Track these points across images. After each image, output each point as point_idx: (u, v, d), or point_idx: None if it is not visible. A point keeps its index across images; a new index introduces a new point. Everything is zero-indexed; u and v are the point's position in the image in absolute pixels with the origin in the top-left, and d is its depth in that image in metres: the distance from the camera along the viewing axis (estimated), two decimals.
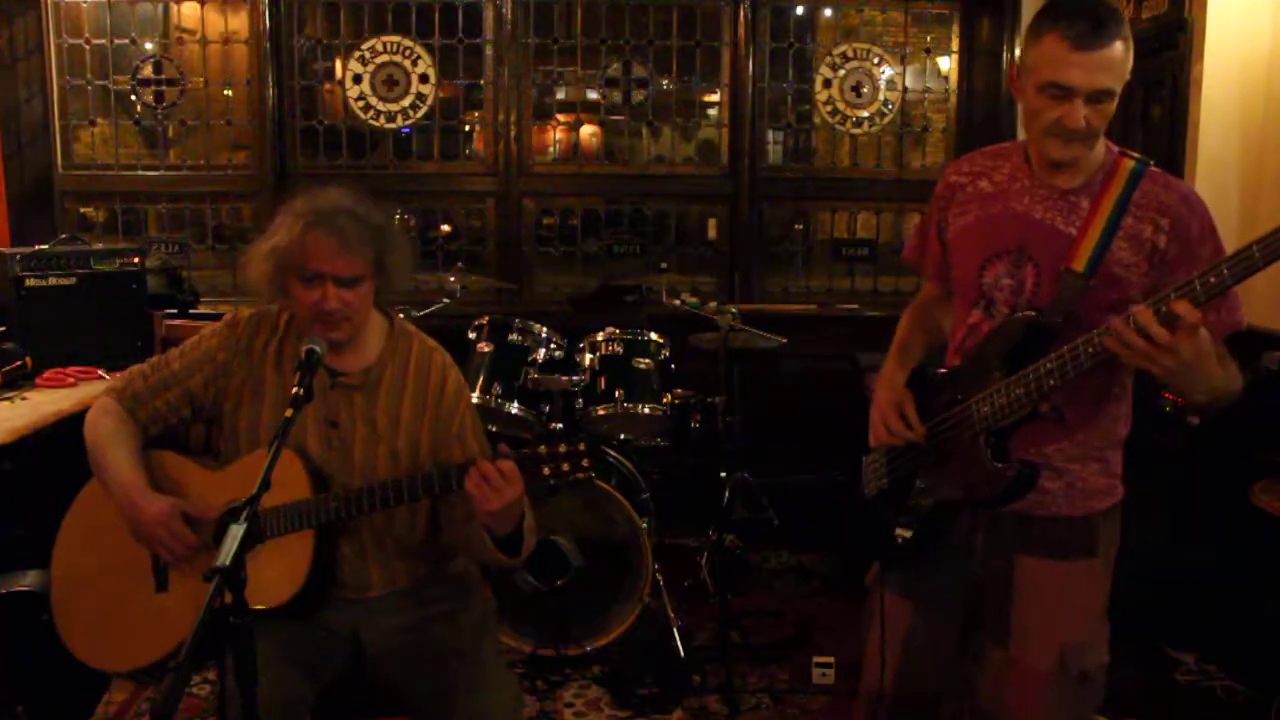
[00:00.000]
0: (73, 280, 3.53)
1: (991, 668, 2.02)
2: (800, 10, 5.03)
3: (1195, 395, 1.74)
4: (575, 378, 3.61)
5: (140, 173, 4.83)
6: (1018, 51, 4.81)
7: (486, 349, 3.63)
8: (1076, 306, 1.80)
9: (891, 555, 2.06)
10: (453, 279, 3.97)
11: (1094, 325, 1.73)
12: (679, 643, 3.40)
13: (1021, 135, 4.92)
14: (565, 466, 1.92)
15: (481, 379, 3.56)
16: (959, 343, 2.01)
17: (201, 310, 4.29)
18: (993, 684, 2.02)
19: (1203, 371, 1.67)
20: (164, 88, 4.78)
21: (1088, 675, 1.95)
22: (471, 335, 3.71)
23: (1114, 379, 1.91)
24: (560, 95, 5.01)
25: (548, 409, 3.62)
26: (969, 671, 2.07)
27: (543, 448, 1.92)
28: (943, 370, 2.02)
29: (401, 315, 2.25)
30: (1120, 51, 1.77)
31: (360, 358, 2.12)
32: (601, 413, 3.60)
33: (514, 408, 3.56)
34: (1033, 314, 1.83)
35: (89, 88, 4.76)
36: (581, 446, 1.92)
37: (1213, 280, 1.55)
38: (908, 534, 2.02)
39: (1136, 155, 1.88)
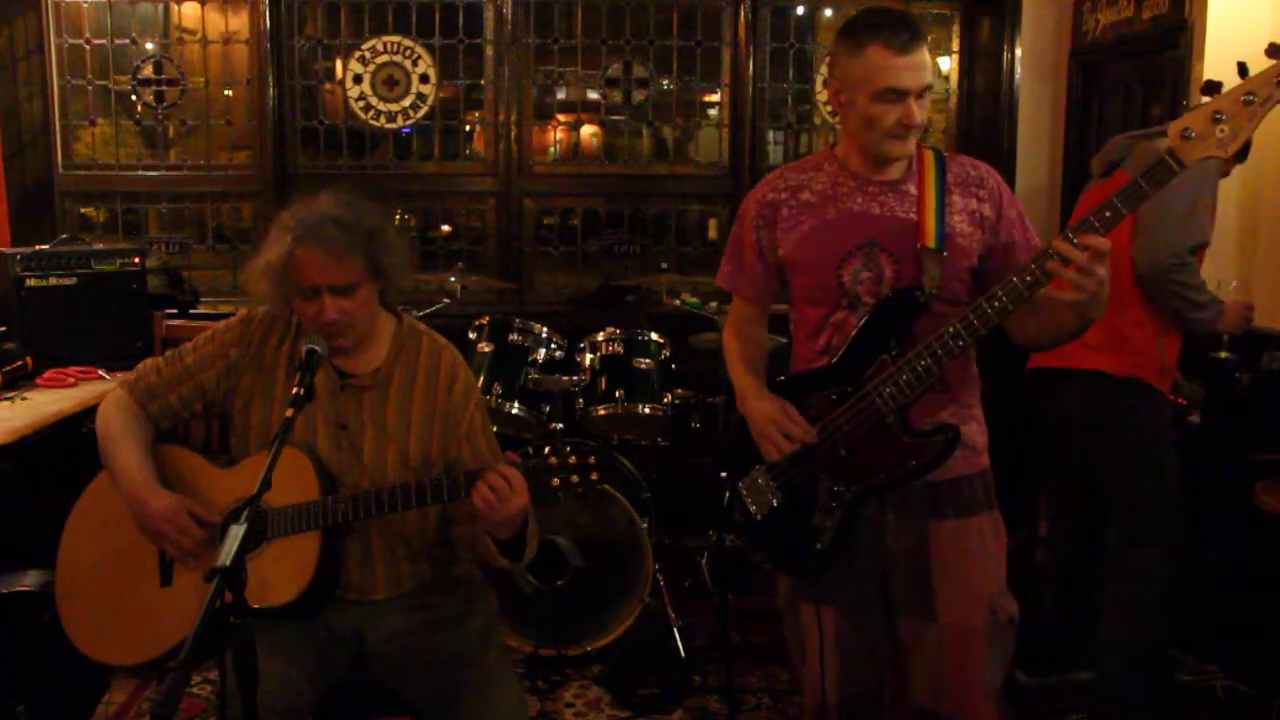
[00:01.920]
0: (73, 280, 3.53)
1: (925, 643, 2.07)
2: (800, 10, 5.03)
3: (1092, 315, 1.90)
4: (575, 378, 3.62)
5: (140, 173, 4.83)
6: (1016, 52, 4.82)
7: (487, 349, 3.63)
8: (941, 277, 1.97)
9: (811, 566, 2.08)
10: (453, 279, 3.97)
11: (958, 295, 1.99)
12: (679, 643, 3.40)
13: (1026, 134, 4.91)
14: (574, 477, 1.92)
15: (482, 379, 3.57)
16: (823, 345, 2.07)
17: (202, 310, 4.29)
18: (928, 658, 2.07)
19: (1104, 296, 1.83)
20: (164, 88, 4.78)
21: (1014, 619, 2.08)
22: (472, 335, 3.71)
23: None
24: (560, 95, 5.01)
25: (548, 409, 3.62)
26: (898, 658, 2.13)
27: (553, 458, 1.92)
28: (807, 371, 2.07)
29: (410, 313, 2.24)
30: (928, 51, 1.98)
31: (369, 359, 2.13)
32: (602, 413, 3.60)
33: (514, 408, 3.56)
34: (912, 291, 1.96)
35: (89, 88, 4.76)
36: (592, 459, 1.91)
37: (1108, 214, 1.78)
38: (826, 539, 2.04)
39: (930, 145, 2.10)
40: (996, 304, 1.85)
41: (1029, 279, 1.83)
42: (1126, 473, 2.97)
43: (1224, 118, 1.76)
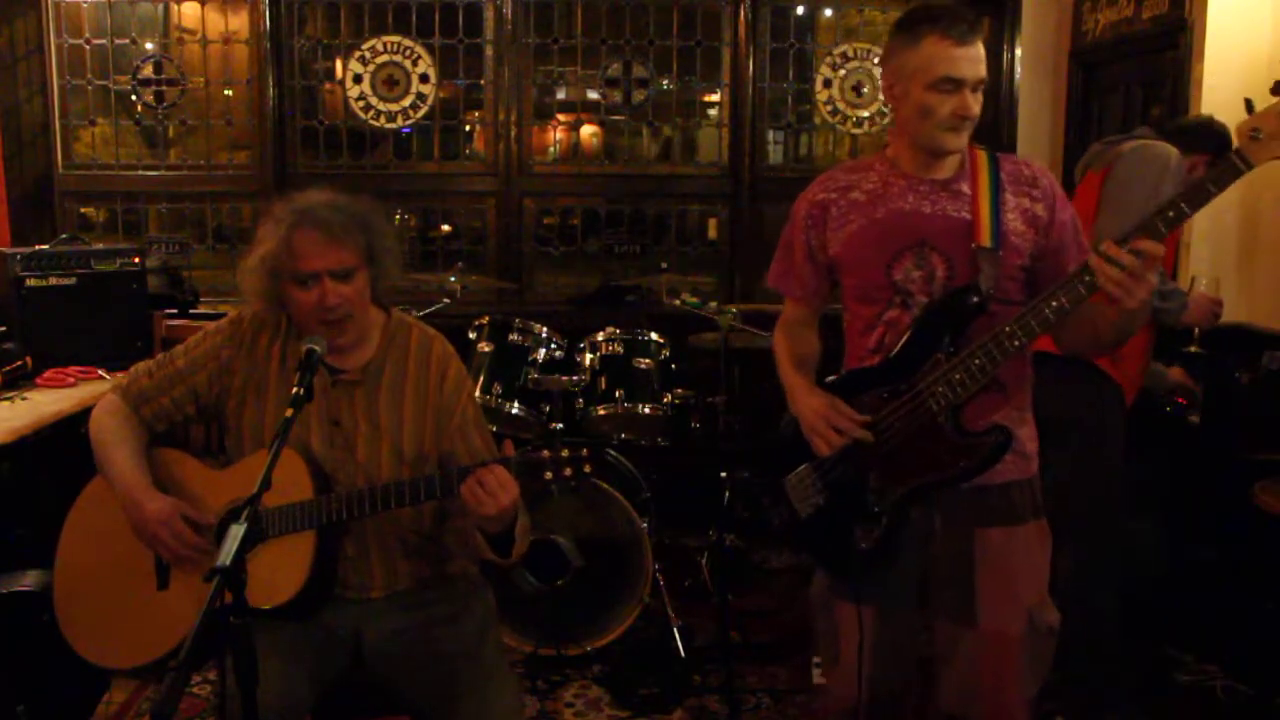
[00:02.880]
0: (73, 280, 3.53)
1: (961, 648, 2.06)
2: (800, 10, 5.03)
3: (1133, 326, 1.90)
4: (575, 378, 3.61)
5: (140, 173, 4.83)
6: (1016, 52, 4.82)
7: (487, 349, 3.63)
8: (998, 277, 1.95)
9: (855, 566, 2.07)
10: (453, 279, 3.96)
11: (1011, 293, 1.96)
12: (679, 643, 3.40)
13: (1026, 134, 4.91)
14: (567, 471, 1.91)
15: (482, 379, 3.57)
16: (874, 343, 2.05)
17: (202, 310, 4.29)
18: (964, 664, 2.06)
19: (1149, 304, 1.82)
20: (164, 88, 4.79)
21: (1054, 629, 2.07)
22: (472, 335, 3.71)
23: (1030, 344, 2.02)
24: (560, 95, 5.02)
25: (548, 409, 3.61)
26: (928, 664, 2.12)
27: (545, 452, 1.91)
28: (859, 369, 2.06)
29: (397, 308, 2.24)
30: (983, 45, 1.97)
31: (359, 353, 2.12)
32: (601, 413, 3.60)
33: (514, 408, 3.56)
34: (969, 289, 1.94)
35: (89, 88, 4.76)
36: (585, 452, 1.91)
37: (1171, 215, 1.74)
38: (872, 540, 2.03)
39: (982, 145, 2.08)
40: (1054, 304, 1.83)
41: (1087, 278, 1.80)
42: (1066, 462, 2.95)
43: None
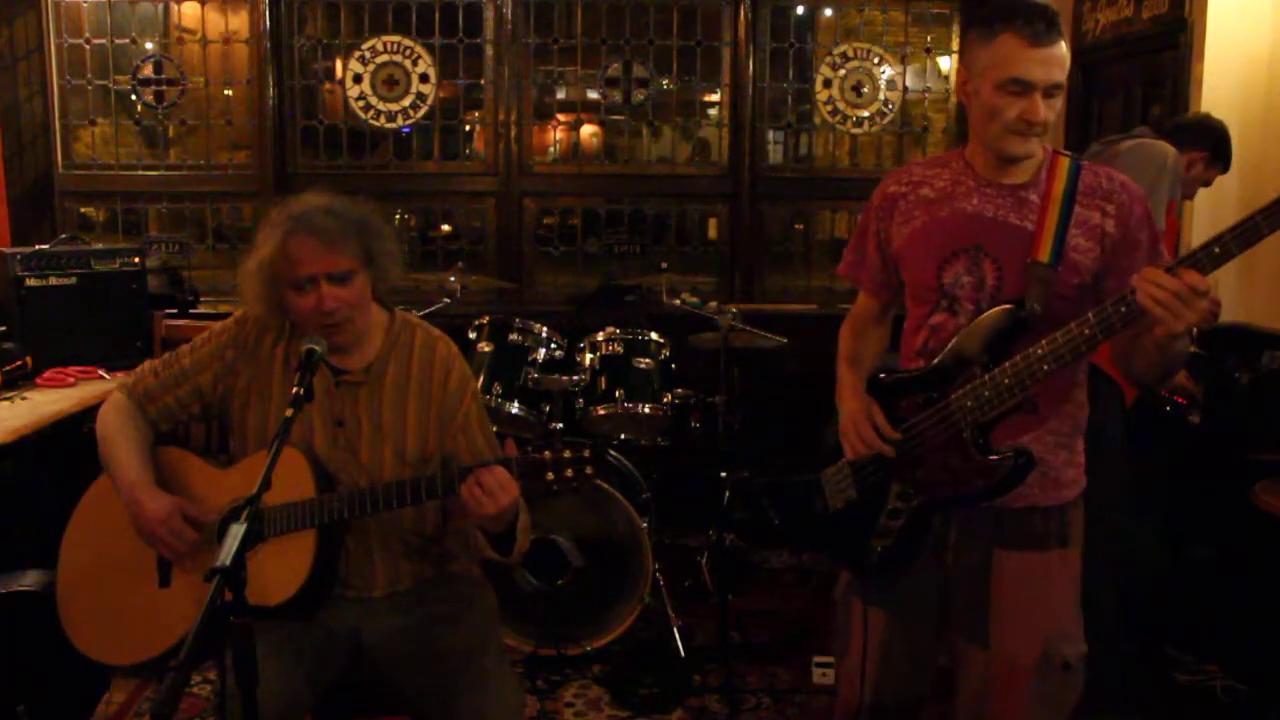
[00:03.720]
0: (73, 280, 3.53)
1: (973, 669, 2.02)
2: (800, 10, 5.03)
3: (1178, 360, 1.83)
4: (575, 378, 3.61)
5: (140, 173, 4.83)
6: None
7: (487, 349, 3.63)
8: (1049, 295, 1.86)
9: (869, 566, 2.06)
10: (453, 279, 3.97)
11: (1059, 313, 1.83)
12: (679, 643, 3.40)
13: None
14: (569, 472, 1.91)
15: (482, 379, 3.57)
16: (920, 345, 2.02)
17: (202, 310, 4.29)
18: (975, 684, 2.03)
19: (1188, 336, 1.74)
20: (164, 88, 4.79)
21: (1070, 664, 1.98)
22: (472, 335, 3.71)
23: (1078, 366, 1.95)
24: (560, 95, 5.02)
25: (548, 409, 3.62)
26: (946, 674, 2.08)
27: (547, 453, 1.91)
28: (904, 373, 2.02)
29: (400, 308, 2.24)
30: (1064, 48, 1.87)
31: (362, 354, 2.12)
32: (601, 413, 3.60)
33: (514, 408, 3.56)
34: (1013, 305, 1.87)
35: (89, 88, 4.76)
36: (586, 453, 1.91)
37: (1217, 251, 1.65)
38: (887, 542, 2.02)
39: (1069, 153, 1.98)
40: (1087, 331, 1.76)
41: (1123, 309, 1.72)
42: None
43: None
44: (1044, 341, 1.80)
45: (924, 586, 2.03)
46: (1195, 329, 2.99)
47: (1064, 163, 1.94)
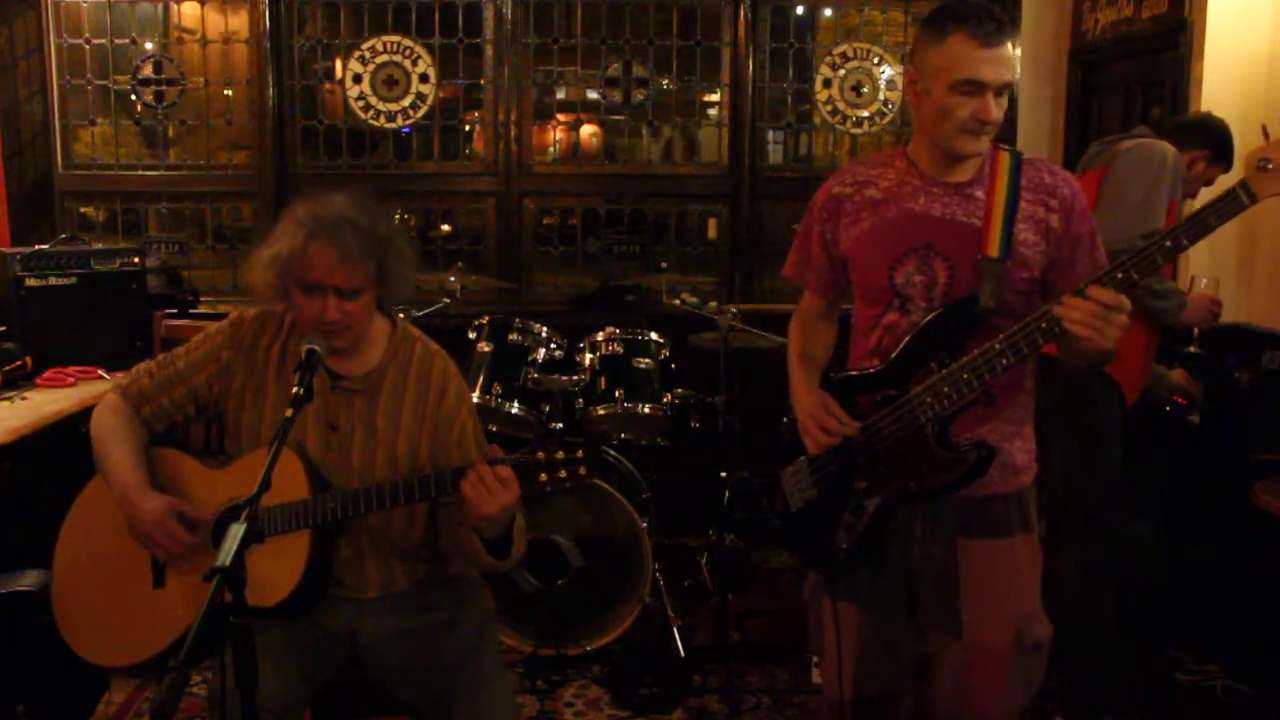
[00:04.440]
0: (73, 280, 3.52)
1: (948, 657, 2.05)
2: (800, 10, 5.03)
3: (1111, 353, 1.86)
4: (575, 377, 3.61)
5: (140, 173, 4.83)
6: (1016, 52, 4.81)
7: (486, 349, 3.63)
8: (1002, 290, 1.89)
9: (835, 563, 2.07)
10: (453, 279, 3.96)
11: (1013, 306, 1.89)
12: (679, 643, 3.40)
13: (1026, 134, 4.90)
14: (562, 473, 1.91)
15: (481, 379, 3.57)
16: (874, 344, 2.04)
17: (201, 310, 4.29)
18: (950, 672, 2.05)
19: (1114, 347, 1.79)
20: (164, 88, 4.79)
21: (1041, 644, 2.04)
22: (471, 335, 3.71)
23: (1030, 358, 1.98)
24: (560, 95, 5.02)
25: (548, 409, 3.61)
26: (923, 664, 2.11)
27: (540, 454, 1.91)
28: (861, 371, 2.04)
29: (402, 317, 2.24)
30: (1012, 49, 1.91)
31: (362, 361, 2.12)
32: (601, 413, 3.60)
33: (514, 408, 3.56)
34: (970, 301, 1.90)
35: (89, 88, 4.76)
36: (579, 453, 1.90)
37: (1169, 245, 1.72)
38: (852, 538, 2.03)
39: (1008, 146, 2.01)
40: (1044, 325, 1.79)
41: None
42: (1064, 461, 2.95)
43: None
44: (1001, 335, 1.83)
45: (892, 580, 2.06)
46: (1194, 327, 3.01)
47: (1005, 158, 1.97)
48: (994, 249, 1.90)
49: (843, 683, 2.11)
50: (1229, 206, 1.70)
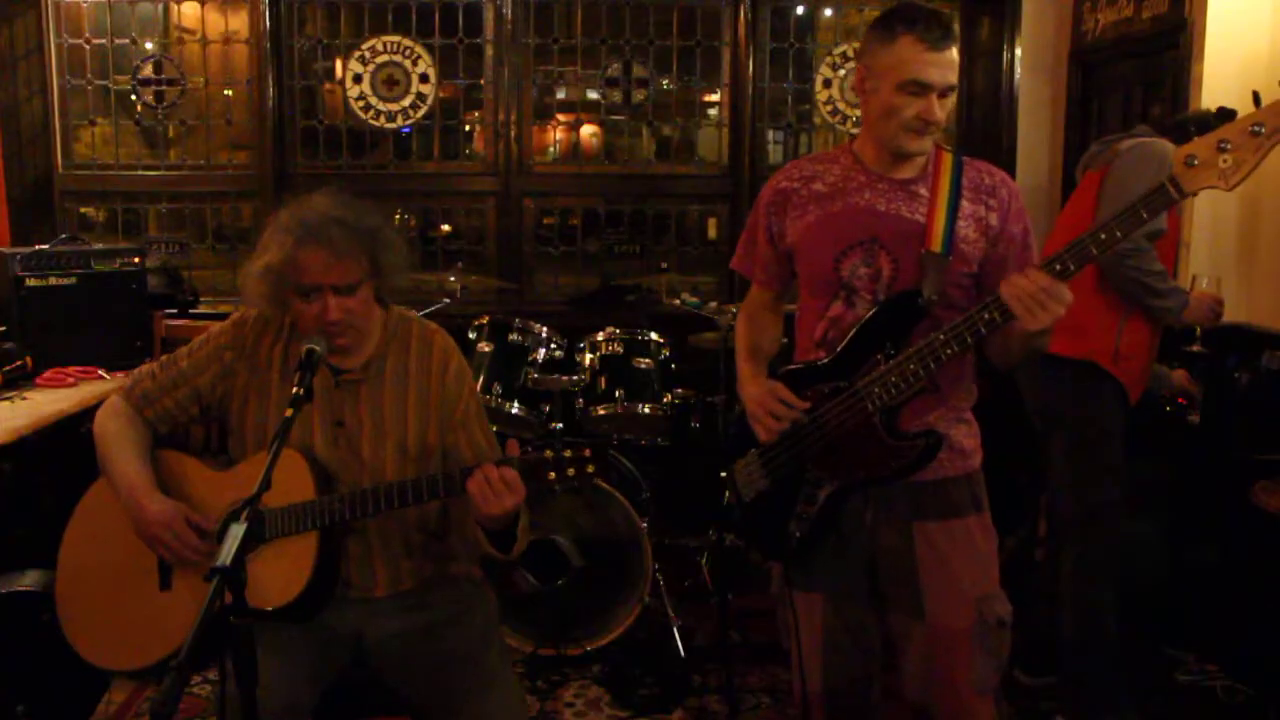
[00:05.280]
0: (73, 280, 3.53)
1: (913, 641, 2.08)
2: (800, 10, 5.03)
3: (1040, 345, 1.97)
4: (575, 377, 3.61)
5: (140, 173, 4.83)
6: (1016, 52, 4.82)
7: (486, 349, 3.63)
8: (943, 283, 1.96)
9: (789, 552, 2.11)
10: (453, 279, 3.97)
11: (954, 299, 1.98)
12: (679, 643, 3.40)
13: (1026, 134, 4.91)
14: (570, 471, 1.91)
15: (482, 379, 3.57)
16: (820, 336, 2.08)
17: (202, 310, 4.30)
18: (918, 656, 2.08)
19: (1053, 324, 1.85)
20: (164, 88, 4.79)
21: (1004, 622, 2.07)
22: (471, 335, 3.71)
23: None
24: (560, 95, 5.02)
25: (548, 409, 3.62)
26: (891, 654, 2.14)
27: (548, 453, 1.91)
28: (808, 364, 2.07)
29: (401, 307, 2.24)
30: (956, 54, 1.98)
31: (361, 352, 2.12)
32: (601, 413, 3.60)
33: (514, 407, 3.56)
34: (913, 294, 1.96)
35: (89, 88, 4.76)
36: (587, 453, 1.91)
37: (1103, 237, 1.78)
38: (805, 527, 2.07)
39: (950, 147, 2.09)
40: (987, 315, 1.86)
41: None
42: (1065, 460, 2.96)
43: (1229, 147, 1.72)
44: (946, 326, 1.89)
45: (851, 566, 2.09)
46: (1196, 325, 3.02)
47: (948, 159, 2.04)
48: (937, 244, 1.97)
49: (805, 674, 2.15)
50: (1158, 200, 1.75)
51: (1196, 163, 1.73)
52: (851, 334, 2.00)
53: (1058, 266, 1.79)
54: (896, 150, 2.00)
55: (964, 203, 2.01)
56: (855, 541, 2.07)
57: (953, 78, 1.95)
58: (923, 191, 2.02)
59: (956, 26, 1.96)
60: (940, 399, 2.04)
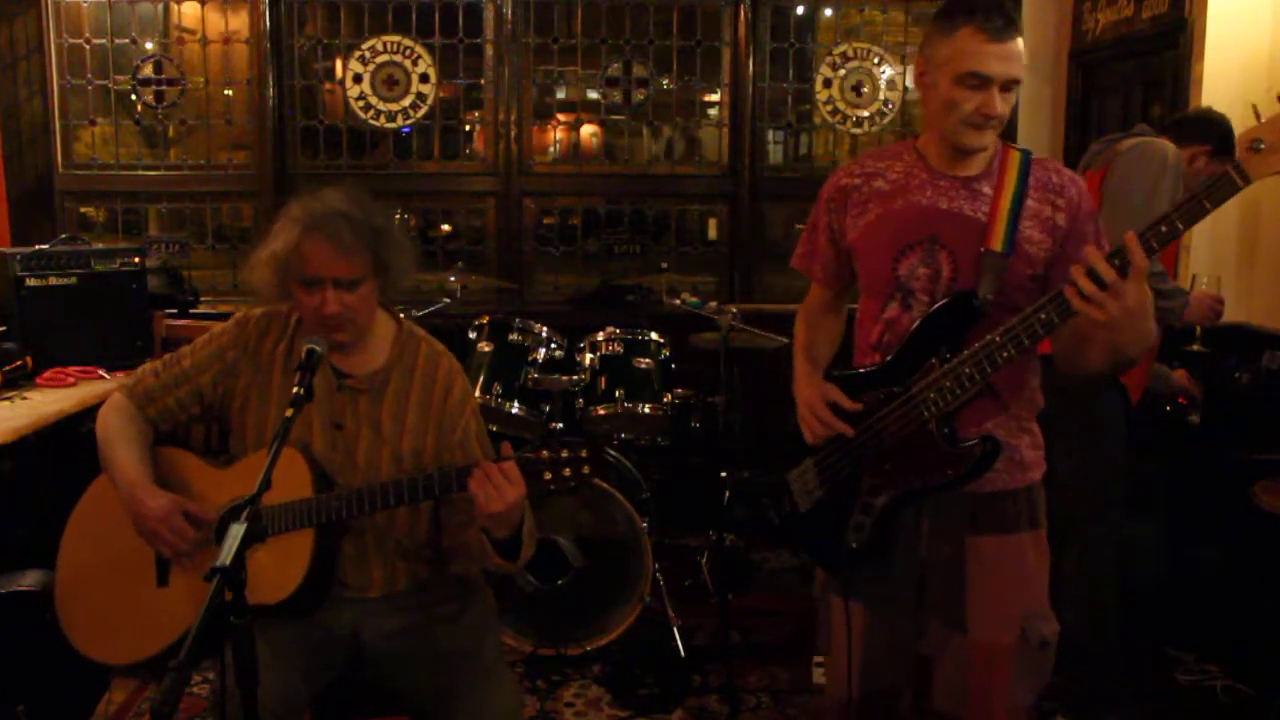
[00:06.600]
0: (73, 280, 3.52)
1: (951, 653, 2.04)
2: (800, 10, 5.03)
3: (1128, 350, 1.84)
4: (575, 377, 3.61)
5: (140, 173, 4.83)
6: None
7: (487, 349, 3.63)
8: (1003, 284, 1.89)
9: (846, 562, 2.07)
10: (453, 279, 3.97)
11: (1016, 302, 1.87)
12: (679, 643, 3.40)
13: (1026, 134, 4.91)
14: (566, 471, 1.91)
15: (482, 379, 3.57)
16: (875, 339, 2.03)
17: (202, 310, 4.29)
18: (955, 668, 2.04)
19: (1141, 324, 1.75)
20: (164, 87, 4.79)
21: (1047, 642, 2.02)
22: (472, 335, 3.71)
23: (1032, 354, 1.97)
24: (560, 95, 5.02)
25: (548, 409, 3.61)
26: (925, 662, 2.11)
27: (544, 452, 1.91)
28: (863, 368, 2.04)
29: (404, 317, 2.24)
30: (1021, 44, 1.89)
31: (367, 360, 2.12)
32: (601, 413, 3.60)
33: (514, 407, 3.56)
34: (969, 296, 1.89)
35: (89, 88, 4.76)
36: (583, 453, 1.90)
37: (1164, 229, 1.68)
38: (861, 537, 2.03)
39: (1019, 146, 2.02)
40: (1043, 317, 1.78)
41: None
42: (1066, 460, 2.95)
43: None
44: (1001, 328, 1.82)
45: (901, 578, 2.05)
46: (1196, 325, 3.01)
47: (1015, 155, 1.97)
48: (997, 244, 1.90)
49: (852, 681, 2.10)
50: (1223, 189, 1.66)
51: (1263, 147, 1.65)
52: (906, 337, 1.95)
53: (1117, 261, 1.68)
54: (956, 145, 1.93)
55: (1029, 201, 1.93)
56: (907, 552, 2.03)
57: (1016, 70, 1.86)
58: (986, 189, 1.95)
59: (1020, 17, 1.90)
60: (1000, 405, 1.97)
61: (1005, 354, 1.82)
